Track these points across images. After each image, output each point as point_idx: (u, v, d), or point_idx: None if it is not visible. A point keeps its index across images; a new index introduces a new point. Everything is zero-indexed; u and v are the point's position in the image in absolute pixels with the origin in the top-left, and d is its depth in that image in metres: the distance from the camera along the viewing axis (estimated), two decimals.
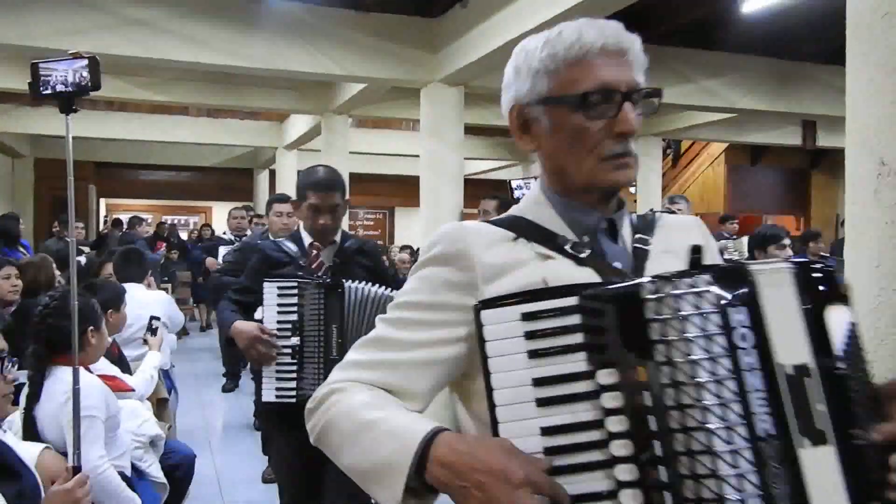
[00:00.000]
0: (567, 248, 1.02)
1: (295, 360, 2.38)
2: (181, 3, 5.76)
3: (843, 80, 2.29)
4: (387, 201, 16.61)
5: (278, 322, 2.40)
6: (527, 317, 0.89)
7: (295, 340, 2.38)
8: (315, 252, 2.59)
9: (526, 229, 1.05)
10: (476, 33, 5.55)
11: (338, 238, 2.64)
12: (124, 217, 13.32)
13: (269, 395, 2.39)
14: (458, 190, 6.24)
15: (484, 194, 4.72)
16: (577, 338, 0.88)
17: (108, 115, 10.74)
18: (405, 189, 14.31)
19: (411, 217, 14.74)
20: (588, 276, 0.98)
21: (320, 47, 6.07)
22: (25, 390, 2.44)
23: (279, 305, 2.39)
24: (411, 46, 6.22)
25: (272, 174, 13.56)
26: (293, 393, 2.37)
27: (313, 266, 2.57)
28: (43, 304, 2.57)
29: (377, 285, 2.43)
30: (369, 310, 2.38)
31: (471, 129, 6.90)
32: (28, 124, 10.53)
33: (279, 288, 2.41)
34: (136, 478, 2.78)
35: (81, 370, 2.39)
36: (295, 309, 2.39)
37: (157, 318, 3.76)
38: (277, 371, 2.39)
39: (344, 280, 2.42)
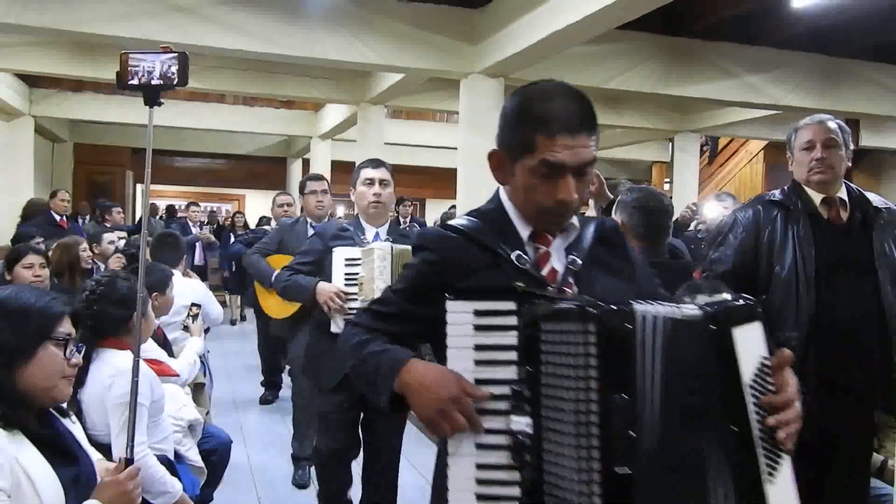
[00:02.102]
0: None
1: (525, 462, 1.16)
2: None
3: (889, 78, 2.21)
4: (418, 193, 16.61)
5: (478, 380, 1.20)
6: None
7: (522, 423, 1.17)
8: (544, 249, 1.40)
9: None
10: (518, 25, 5.49)
11: (576, 222, 1.44)
12: (160, 203, 13.50)
13: None
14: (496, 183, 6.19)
15: None
16: None
17: None
18: (437, 180, 14.30)
19: (442, 209, 14.73)
20: None
21: (360, 36, 6.05)
22: None
23: (479, 349, 1.21)
24: (452, 37, 6.17)
25: (305, 163, 13.62)
26: None
27: (545, 274, 1.37)
28: (89, 289, 2.58)
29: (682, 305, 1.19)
30: (696, 363, 1.15)
31: None
32: (68, 109, 10.69)
33: (478, 314, 1.21)
34: (175, 462, 2.80)
35: (128, 355, 2.40)
36: (514, 357, 1.19)
37: (198, 305, 3.77)
38: (482, 471, 1.18)
39: (623, 304, 1.16)
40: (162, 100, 1.81)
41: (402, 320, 1.43)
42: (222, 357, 7.30)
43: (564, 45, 5.47)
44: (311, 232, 4.15)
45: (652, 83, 7.02)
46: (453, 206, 8.76)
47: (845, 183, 2.56)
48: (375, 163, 3.23)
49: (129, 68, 1.70)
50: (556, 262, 1.41)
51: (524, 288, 1.22)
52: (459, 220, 1.46)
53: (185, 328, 3.70)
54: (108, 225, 7.51)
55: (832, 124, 2.53)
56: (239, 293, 9.71)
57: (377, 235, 3.12)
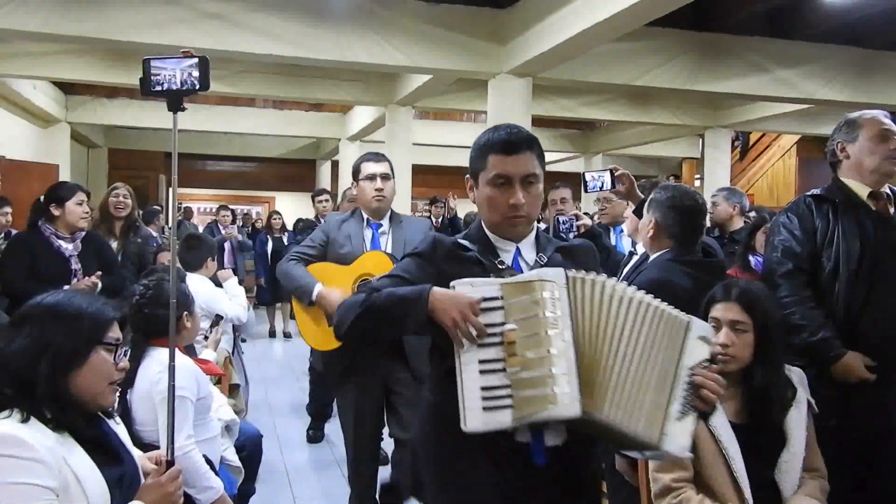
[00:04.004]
0: None
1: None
2: None
3: None
4: (446, 193, 16.61)
5: None
6: None
7: None
8: None
9: None
10: (546, 24, 5.48)
11: None
12: (193, 206, 13.65)
13: None
14: None
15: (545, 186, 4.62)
16: None
17: None
18: (463, 180, 14.27)
19: (467, 208, 14.72)
20: None
21: (388, 38, 6.08)
22: None
23: None
24: (479, 37, 6.18)
25: (334, 165, 13.71)
26: None
27: None
28: (138, 293, 2.64)
29: None
30: None
31: (533, 121, 6.82)
32: (103, 116, 10.90)
33: None
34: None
35: (177, 351, 2.45)
36: None
37: (221, 318, 3.79)
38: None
39: None
40: (191, 104, 1.84)
41: None
42: (256, 365, 7.37)
43: (593, 43, 5.44)
44: (368, 232, 3.17)
45: (682, 79, 6.96)
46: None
47: None
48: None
49: (152, 76, 1.72)
50: None
51: None
52: None
53: (205, 337, 3.72)
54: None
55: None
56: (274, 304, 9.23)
57: (517, 254, 1.81)
